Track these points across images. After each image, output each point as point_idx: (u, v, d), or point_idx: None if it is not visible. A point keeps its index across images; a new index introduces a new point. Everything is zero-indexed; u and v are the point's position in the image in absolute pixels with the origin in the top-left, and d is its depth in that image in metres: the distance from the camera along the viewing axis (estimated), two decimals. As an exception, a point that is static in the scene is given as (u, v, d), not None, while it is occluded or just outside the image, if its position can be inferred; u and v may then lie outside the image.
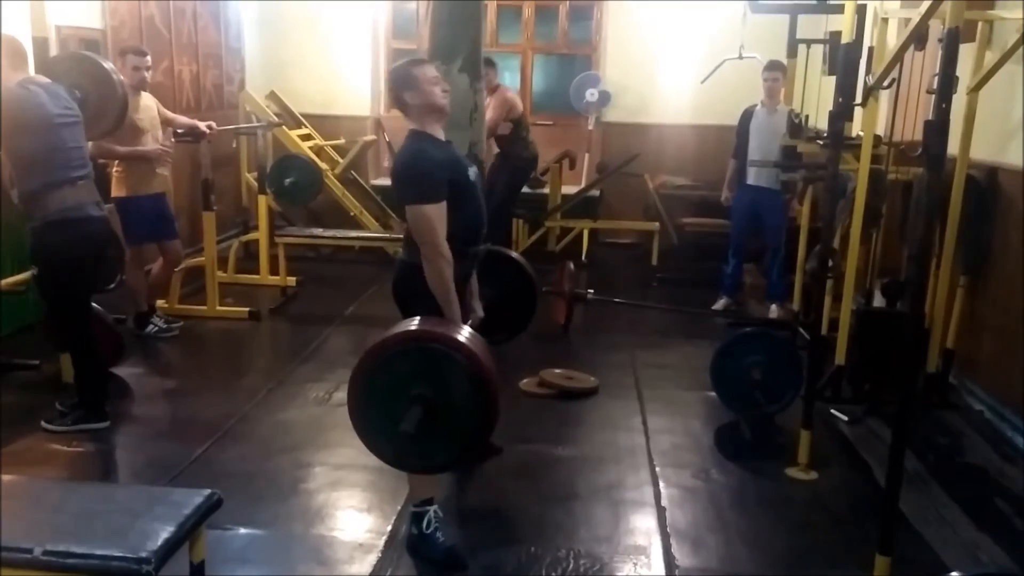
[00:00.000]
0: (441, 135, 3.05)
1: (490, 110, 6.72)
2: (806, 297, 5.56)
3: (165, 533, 1.93)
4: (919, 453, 3.90)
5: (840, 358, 4.36)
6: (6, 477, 2.17)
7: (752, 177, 6.01)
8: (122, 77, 4.59)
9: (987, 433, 4.22)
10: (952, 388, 4.58)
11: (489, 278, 3.53)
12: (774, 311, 6.15)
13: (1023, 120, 4.29)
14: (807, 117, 5.42)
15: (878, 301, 4.79)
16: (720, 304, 6.35)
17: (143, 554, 1.85)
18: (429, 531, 2.99)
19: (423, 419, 2.60)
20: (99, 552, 1.85)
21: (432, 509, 3.01)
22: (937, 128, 2.51)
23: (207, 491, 2.13)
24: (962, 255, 4.45)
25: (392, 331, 2.76)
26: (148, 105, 5.12)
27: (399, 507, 3.33)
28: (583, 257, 7.68)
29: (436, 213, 2.90)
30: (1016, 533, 3.31)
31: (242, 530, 3.14)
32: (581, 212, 7.76)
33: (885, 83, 4.05)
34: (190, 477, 3.57)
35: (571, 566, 3.01)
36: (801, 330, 5.22)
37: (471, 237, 3.11)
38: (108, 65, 4.49)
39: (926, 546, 3.16)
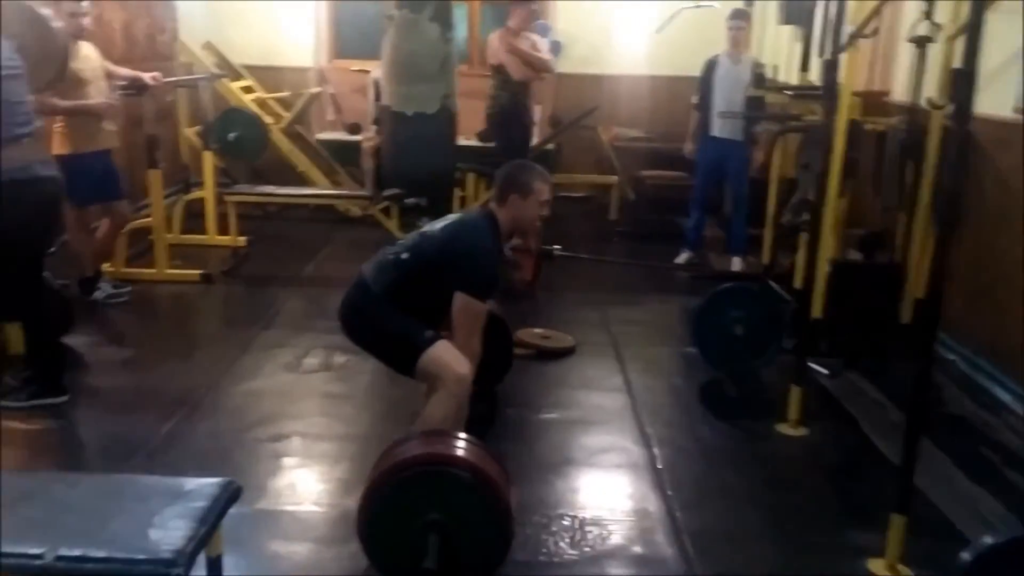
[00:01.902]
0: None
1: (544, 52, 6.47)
2: (775, 250, 5.53)
3: (187, 530, 1.75)
4: (903, 405, 3.91)
5: (817, 311, 4.34)
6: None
7: (717, 129, 5.93)
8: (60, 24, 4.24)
9: (963, 383, 4.27)
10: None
11: None
12: (737, 264, 6.12)
13: (997, 69, 4.29)
14: (776, 68, 5.37)
15: (849, 253, 4.79)
16: (682, 258, 6.31)
17: (168, 555, 1.67)
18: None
19: (442, 546, 2.45)
20: (120, 555, 1.66)
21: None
22: (966, 77, 2.44)
23: (224, 479, 1.96)
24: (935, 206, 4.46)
25: (391, 457, 2.60)
26: (88, 55, 4.75)
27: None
28: (540, 212, 7.52)
29: (483, 310, 3.05)
30: (1010, 485, 3.34)
31: (228, 509, 2.96)
32: (537, 166, 7.59)
33: (867, 31, 3.99)
34: (164, 454, 3.37)
35: (579, 536, 2.93)
36: (772, 283, 5.19)
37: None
38: (46, 12, 4.13)
39: (928, 502, 3.14)
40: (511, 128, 6.20)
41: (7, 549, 1.66)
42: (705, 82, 6.06)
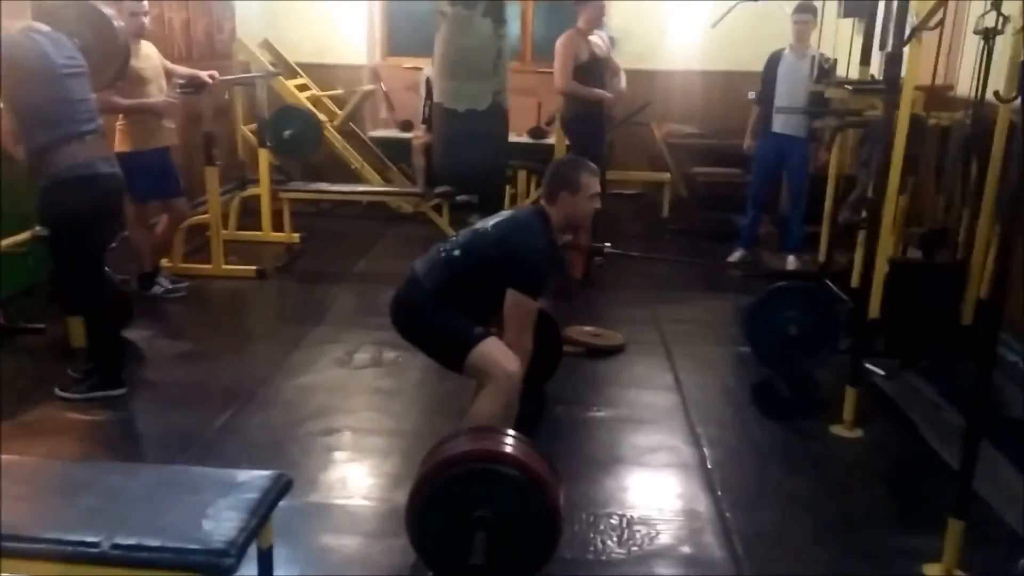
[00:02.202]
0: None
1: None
2: (832, 248, 5.43)
3: (239, 521, 1.78)
4: (962, 408, 3.82)
5: (874, 311, 4.25)
6: (57, 461, 2.01)
7: (779, 125, 5.81)
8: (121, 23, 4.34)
9: (1024, 385, 4.14)
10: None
11: None
12: (792, 262, 6.02)
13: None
14: (836, 61, 5.25)
15: (908, 251, 4.67)
16: (736, 256, 6.22)
17: (221, 545, 1.70)
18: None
19: (489, 543, 2.44)
20: (173, 544, 1.70)
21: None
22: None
23: (275, 472, 1.99)
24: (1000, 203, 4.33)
25: (440, 452, 2.60)
26: (149, 54, 4.86)
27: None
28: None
29: (535, 307, 3.05)
30: (1073, 491, 3.24)
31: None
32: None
33: (931, 24, 3.89)
34: (218, 447, 3.43)
35: (626, 535, 2.91)
36: (828, 282, 5.09)
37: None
38: (108, 11, 4.23)
39: (987, 506, 3.06)
40: (584, 132, 6.05)
41: (66, 536, 1.71)
42: (767, 77, 5.94)
